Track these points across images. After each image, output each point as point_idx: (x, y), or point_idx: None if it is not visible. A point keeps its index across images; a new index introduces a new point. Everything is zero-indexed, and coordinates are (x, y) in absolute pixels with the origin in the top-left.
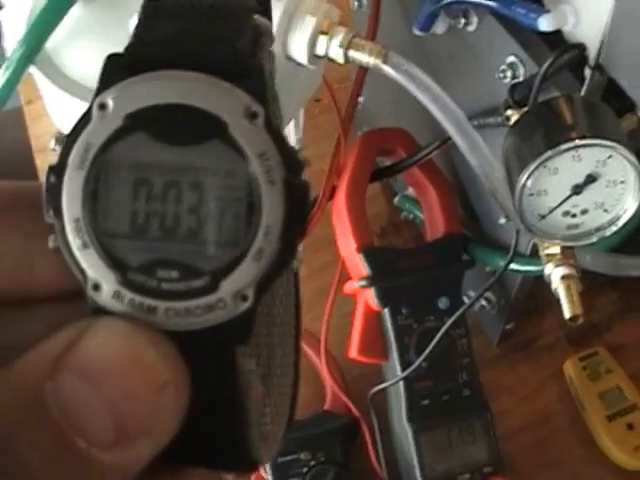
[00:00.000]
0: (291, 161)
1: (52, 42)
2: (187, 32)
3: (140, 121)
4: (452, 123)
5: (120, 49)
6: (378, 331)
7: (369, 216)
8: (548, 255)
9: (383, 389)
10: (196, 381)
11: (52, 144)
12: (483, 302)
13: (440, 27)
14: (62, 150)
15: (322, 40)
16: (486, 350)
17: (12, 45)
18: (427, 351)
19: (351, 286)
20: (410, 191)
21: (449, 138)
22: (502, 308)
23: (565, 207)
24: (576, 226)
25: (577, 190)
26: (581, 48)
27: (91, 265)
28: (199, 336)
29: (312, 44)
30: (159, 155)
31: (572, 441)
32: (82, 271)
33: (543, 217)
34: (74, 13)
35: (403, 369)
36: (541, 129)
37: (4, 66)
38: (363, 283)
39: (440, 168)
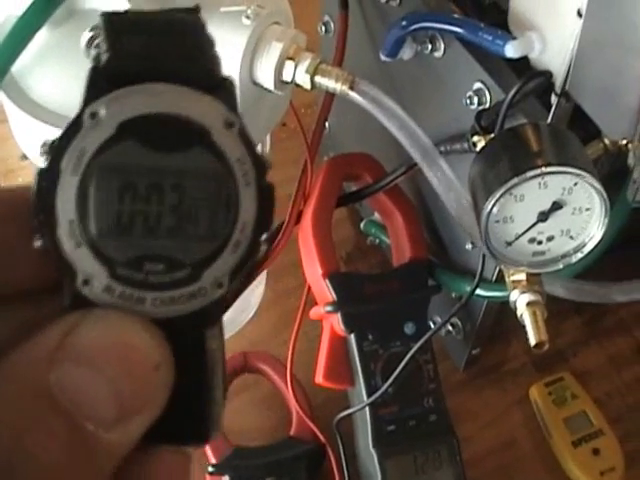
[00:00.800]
0: (261, 165)
1: (18, 66)
2: (157, 47)
3: (131, 129)
4: (418, 150)
5: (84, 73)
6: (344, 357)
7: (335, 241)
8: (514, 281)
9: (349, 415)
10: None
11: (40, 152)
12: (449, 327)
13: (407, 53)
14: (52, 156)
15: (289, 66)
16: (452, 375)
17: None
18: (393, 377)
19: (317, 311)
20: (376, 216)
21: (415, 164)
22: (468, 333)
23: (531, 234)
24: (542, 253)
25: (543, 217)
26: (547, 75)
27: (83, 262)
28: (178, 321)
29: (279, 70)
30: (147, 160)
31: (538, 466)
32: (70, 269)
33: (509, 244)
34: (40, 37)
35: (369, 395)
36: (507, 156)
37: None
38: (329, 309)
39: (406, 193)
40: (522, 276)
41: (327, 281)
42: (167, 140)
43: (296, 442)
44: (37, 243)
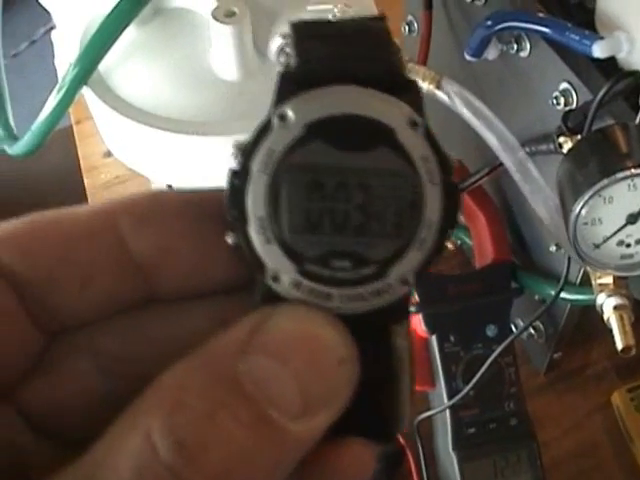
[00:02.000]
0: (447, 164)
1: (105, 64)
2: (342, 50)
3: (318, 130)
4: (505, 150)
5: (171, 71)
6: (425, 358)
7: None
8: (600, 285)
9: (429, 416)
10: (360, 357)
11: (231, 153)
12: (531, 330)
13: (492, 53)
14: (243, 156)
15: None
16: (532, 379)
17: (62, 65)
18: (475, 379)
19: None
20: (459, 217)
21: (499, 165)
22: (550, 337)
23: (619, 236)
24: (630, 256)
25: (632, 219)
26: (636, 76)
27: (272, 258)
28: (364, 317)
29: None
30: (334, 160)
31: (618, 473)
32: (260, 264)
33: (597, 246)
34: (127, 35)
35: (450, 397)
36: (596, 157)
37: (57, 87)
38: (411, 309)
39: (489, 194)
40: (609, 279)
41: None
42: (353, 140)
43: None
44: (230, 239)
